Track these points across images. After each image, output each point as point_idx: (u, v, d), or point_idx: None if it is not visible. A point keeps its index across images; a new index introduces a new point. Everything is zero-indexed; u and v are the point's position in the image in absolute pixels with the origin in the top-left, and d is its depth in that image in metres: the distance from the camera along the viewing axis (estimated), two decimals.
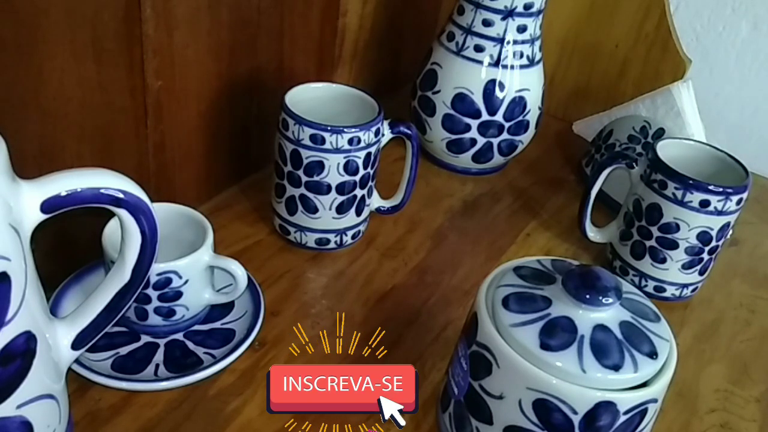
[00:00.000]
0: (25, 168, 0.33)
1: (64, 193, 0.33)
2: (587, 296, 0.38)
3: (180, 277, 0.47)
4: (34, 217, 0.32)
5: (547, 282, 0.41)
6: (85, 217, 0.41)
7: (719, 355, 0.59)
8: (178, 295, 0.48)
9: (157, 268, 0.46)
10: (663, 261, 0.60)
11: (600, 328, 0.38)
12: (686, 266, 0.60)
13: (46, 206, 0.33)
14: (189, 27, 0.55)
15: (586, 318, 0.39)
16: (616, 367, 0.37)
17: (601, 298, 0.38)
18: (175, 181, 0.60)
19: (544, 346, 0.37)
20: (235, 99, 0.64)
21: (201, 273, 0.49)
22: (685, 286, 0.62)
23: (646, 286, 0.62)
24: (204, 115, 0.61)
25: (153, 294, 0.47)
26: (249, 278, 0.51)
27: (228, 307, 0.53)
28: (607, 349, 0.37)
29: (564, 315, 0.39)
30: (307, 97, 0.60)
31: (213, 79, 0.60)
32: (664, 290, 0.62)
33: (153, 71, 0.53)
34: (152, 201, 0.37)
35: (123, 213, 0.36)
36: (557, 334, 0.38)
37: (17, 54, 0.43)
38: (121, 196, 0.35)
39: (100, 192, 0.34)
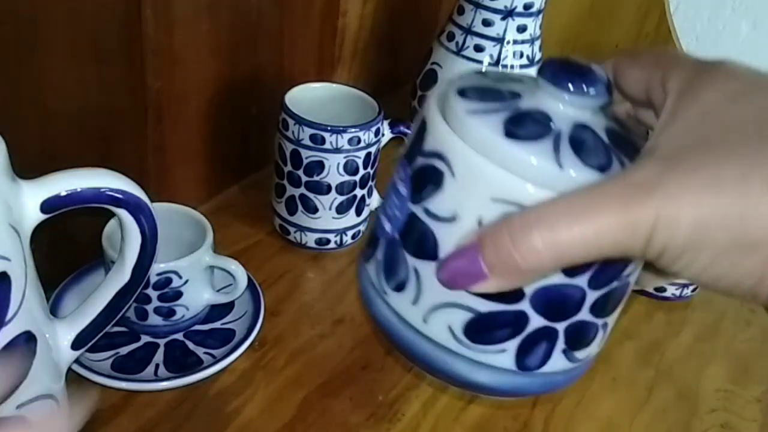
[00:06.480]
0: (25, 168, 0.33)
1: (64, 193, 0.33)
2: (569, 84, 0.28)
3: (180, 277, 0.47)
4: (34, 217, 0.32)
5: (518, 81, 0.31)
6: (85, 217, 0.40)
7: (720, 355, 0.59)
8: (178, 295, 0.48)
9: (157, 268, 0.46)
10: None
11: (581, 127, 0.28)
12: None
13: (46, 206, 0.33)
14: (189, 27, 0.55)
15: (565, 115, 0.28)
16: (602, 168, 0.26)
17: (586, 88, 0.28)
18: (175, 181, 0.60)
19: (511, 135, 0.26)
20: (235, 99, 0.64)
21: (201, 273, 0.49)
22: (685, 285, 0.62)
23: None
24: (204, 115, 0.61)
25: (153, 294, 0.47)
26: (249, 278, 0.51)
27: (228, 307, 0.53)
28: (590, 148, 0.27)
29: (537, 108, 0.28)
30: (307, 97, 0.60)
31: (213, 79, 0.60)
32: (665, 290, 0.62)
33: (153, 71, 0.53)
34: (152, 201, 0.37)
35: (123, 213, 0.36)
36: (527, 125, 0.27)
37: (17, 54, 0.43)
38: (121, 196, 0.35)
39: (100, 192, 0.34)
